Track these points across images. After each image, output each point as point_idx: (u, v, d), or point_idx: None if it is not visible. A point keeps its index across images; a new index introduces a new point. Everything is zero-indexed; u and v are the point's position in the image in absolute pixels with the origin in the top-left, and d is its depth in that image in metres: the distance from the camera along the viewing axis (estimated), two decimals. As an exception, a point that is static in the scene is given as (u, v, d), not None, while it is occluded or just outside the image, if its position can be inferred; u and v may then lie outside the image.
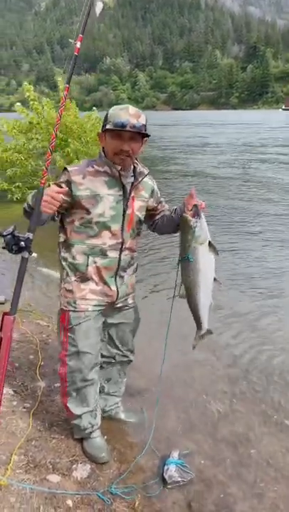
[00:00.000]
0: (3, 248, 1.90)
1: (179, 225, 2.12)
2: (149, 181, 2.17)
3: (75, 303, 2.09)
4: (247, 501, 2.12)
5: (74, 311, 2.09)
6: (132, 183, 2.06)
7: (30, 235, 1.91)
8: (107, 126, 1.90)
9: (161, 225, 2.27)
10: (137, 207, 2.10)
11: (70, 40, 2.01)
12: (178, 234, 2.16)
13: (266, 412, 2.79)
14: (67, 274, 2.10)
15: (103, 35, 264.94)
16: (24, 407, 2.56)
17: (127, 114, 1.88)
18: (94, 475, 2.16)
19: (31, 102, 9.26)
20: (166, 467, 2.22)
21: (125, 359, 2.44)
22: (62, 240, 2.12)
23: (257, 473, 2.29)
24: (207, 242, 2.02)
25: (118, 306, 2.22)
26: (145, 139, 2.00)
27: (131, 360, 2.48)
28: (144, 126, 1.93)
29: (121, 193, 2.03)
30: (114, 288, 2.12)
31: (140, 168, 2.11)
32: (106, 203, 2.00)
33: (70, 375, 2.13)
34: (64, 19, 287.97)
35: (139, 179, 2.08)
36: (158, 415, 2.49)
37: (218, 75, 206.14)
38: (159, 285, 4.81)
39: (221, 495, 2.15)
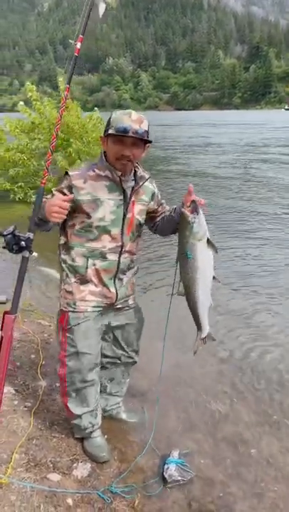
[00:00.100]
0: (4, 248, 1.91)
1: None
2: (149, 185, 2.17)
3: (74, 304, 2.10)
4: (247, 501, 2.12)
5: (73, 311, 2.10)
6: (133, 188, 2.07)
7: (31, 235, 1.93)
8: (110, 131, 1.90)
9: (162, 226, 2.27)
10: (137, 210, 2.11)
11: (70, 41, 2.02)
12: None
13: (266, 412, 2.79)
14: (67, 276, 2.11)
15: (106, 35, 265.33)
16: (25, 406, 2.57)
17: (130, 119, 1.88)
18: (94, 474, 2.17)
19: (34, 102, 9.29)
20: (166, 466, 2.23)
21: (130, 360, 2.44)
22: (62, 242, 2.13)
23: (257, 473, 2.29)
24: (205, 238, 1.99)
25: (118, 307, 2.22)
26: (147, 144, 2.00)
27: (135, 362, 2.48)
28: (147, 132, 1.92)
29: (121, 197, 2.03)
30: (113, 290, 2.13)
31: (141, 172, 2.12)
32: (106, 207, 2.00)
33: (69, 375, 2.13)
34: (66, 19, 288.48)
35: (140, 183, 2.08)
36: (158, 415, 2.49)
37: (220, 75, 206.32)
38: (158, 283, 4.82)
39: (220, 494, 2.15)
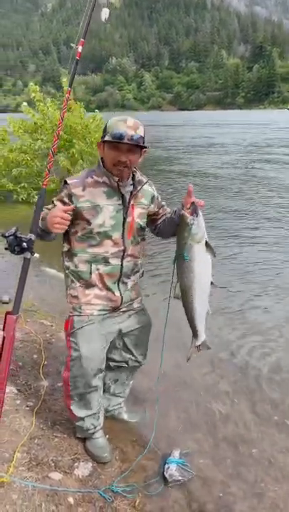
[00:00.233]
0: (6, 249, 1.93)
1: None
2: (148, 188, 2.18)
3: (80, 308, 2.11)
4: (247, 501, 2.13)
5: (79, 315, 2.11)
6: (131, 192, 2.08)
7: (33, 236, 1.94)
8: (106, 138, 1.92)
9: (163, 229, 2.28)
10: (137, 214, 2.12)
11: (72, 44, 2.04)
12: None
13: (267, 412, 2.80)
14: (72, 281, 2.13)
15: (109, 35, 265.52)
16: (27, 406, 2.59)
17: (125, 125, 1.89)
18: (95, 473, 2.18)
19: (37, 103, 9.32)
20: (167, 466, 2.24)
21: (137, 364, 2.45)
22: (65, 249, 2.14)
23: (257, 473, 2.30)
24: (204, 241, 1.98)
25: (123, 310, 2.24)
26: (144, 150, 2.01)
27: (142, 365, 2.48)
28: (142, 138, 1.94)
29: (120, 202, 2.05)
30: (117, 294, 2.14)
31: (139, 176, 2.13)
32: (106, 213, 2.02)
33: (72, 380, 2.12)
34: (70, 20, 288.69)
35: (138, 188, 2.10)
36: (159, 415, 2.51)
37: (224, 75, 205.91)
38: (158, 285, 4.82)
39: (221, 494, 2.16)
